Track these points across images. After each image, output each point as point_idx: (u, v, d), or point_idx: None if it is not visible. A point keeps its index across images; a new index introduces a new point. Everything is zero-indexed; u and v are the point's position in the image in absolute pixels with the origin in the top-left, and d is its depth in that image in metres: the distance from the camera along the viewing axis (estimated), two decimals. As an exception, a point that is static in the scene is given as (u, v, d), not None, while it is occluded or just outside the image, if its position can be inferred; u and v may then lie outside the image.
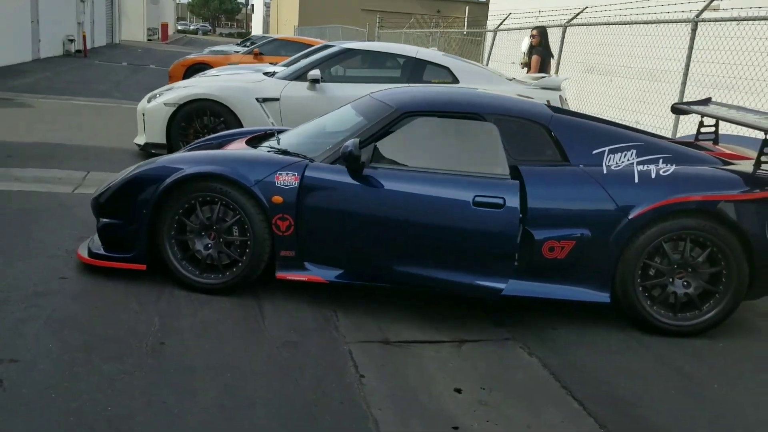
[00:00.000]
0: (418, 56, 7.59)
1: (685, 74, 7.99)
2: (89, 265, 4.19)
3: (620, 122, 4.86)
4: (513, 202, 3.77)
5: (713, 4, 8.35)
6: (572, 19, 10.81)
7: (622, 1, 10.35)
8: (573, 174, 3.95)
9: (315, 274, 4.02)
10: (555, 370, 3.55)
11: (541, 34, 10.00)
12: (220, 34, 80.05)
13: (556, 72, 11.07)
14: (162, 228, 4.01)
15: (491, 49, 14.67)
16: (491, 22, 16.97)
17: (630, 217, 3.86)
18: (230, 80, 7.80)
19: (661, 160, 4.02)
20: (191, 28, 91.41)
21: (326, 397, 3.11)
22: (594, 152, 4.03)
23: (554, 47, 10.49)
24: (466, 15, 27.39)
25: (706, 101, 5.44)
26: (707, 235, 3.88)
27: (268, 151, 4.30)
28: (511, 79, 7.73)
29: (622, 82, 11.19)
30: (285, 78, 7.52)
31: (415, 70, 7.50)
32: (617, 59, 11.13)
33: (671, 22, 8.47)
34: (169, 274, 4.08)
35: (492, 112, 4.09)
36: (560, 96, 7.45)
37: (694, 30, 7.98)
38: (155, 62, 23.75)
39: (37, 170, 6.61)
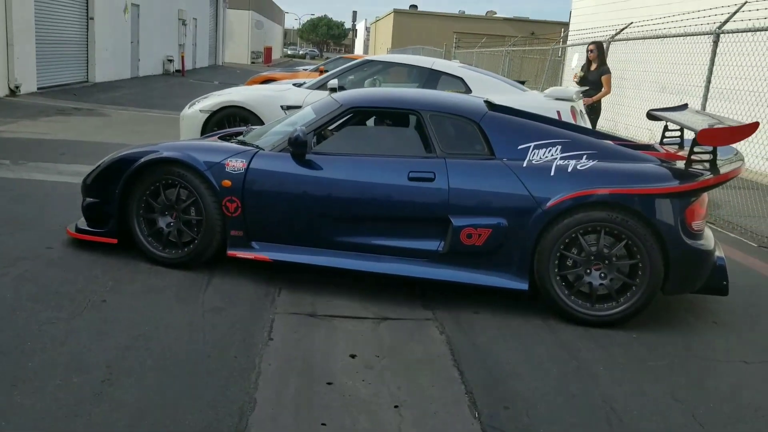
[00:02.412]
0: (433, 67, 7.93)
1: (707, 87, 7.89)
2: (75, 239, 4.79)
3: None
4: (442, 175, 4.17)
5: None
6: (616, 35, 10.79)
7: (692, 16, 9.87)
8: (493, 167, 4.19)
9: (260, 253, 4.43)
10: (455, 347, 3.77)
11: (598, 49, 9.49)
12: (326, 58, 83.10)
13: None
14: (131, 207, 4.55)
15: (548, 64, 14.71)
16: (572, 37, 16.98)
17: (543, 208, 4.05)
18: (261, 90, 8.42)
19: (584, 156, 4.18)
20: (300, 52, 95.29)
21: (223, 351, 3.49)
22: (519, 147, 4.25)
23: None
24: (561, 35, 27.37)
25: (683, 107, 5.49)
26: (620, 228, 3.99)
27: (231, 143, 4.78)
28: (525, 90, 7.92)
29: (696, 102, 10.96)
30: (309, 87, 8.05)
31: (429, 80, 7.83)
32: (691, 78, 10.91)
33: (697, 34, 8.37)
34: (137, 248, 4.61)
35: (427, 109, 4.40)
36: (572, 107, 7.54)
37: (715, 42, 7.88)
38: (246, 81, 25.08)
39: (80, 166, 7.40)
